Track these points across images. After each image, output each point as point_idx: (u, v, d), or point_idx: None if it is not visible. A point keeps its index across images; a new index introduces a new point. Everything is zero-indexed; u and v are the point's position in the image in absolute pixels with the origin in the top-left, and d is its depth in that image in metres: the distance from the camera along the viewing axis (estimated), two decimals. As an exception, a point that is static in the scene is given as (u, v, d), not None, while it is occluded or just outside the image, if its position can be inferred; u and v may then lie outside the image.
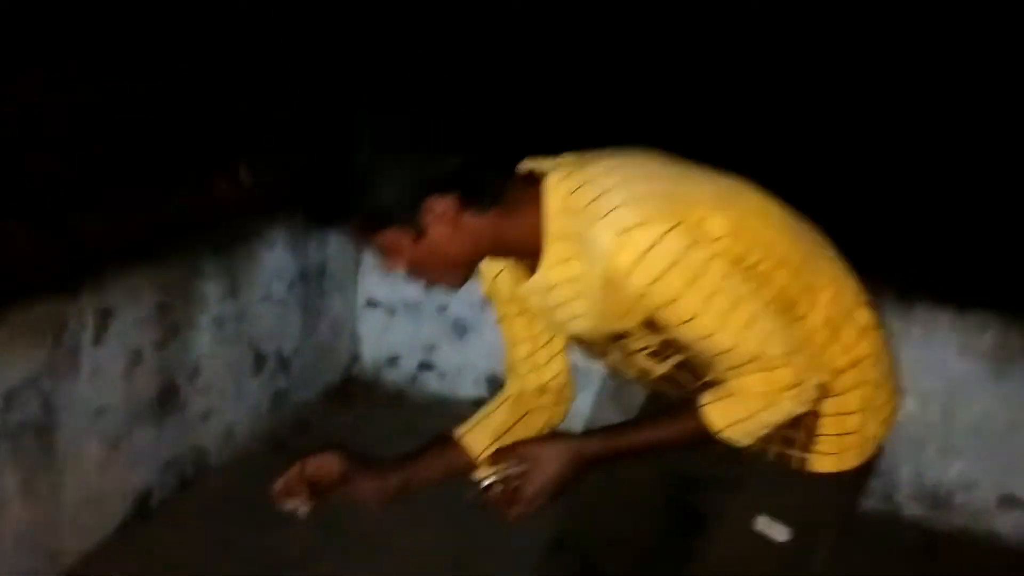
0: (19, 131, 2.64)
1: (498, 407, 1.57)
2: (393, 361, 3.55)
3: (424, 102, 1.34)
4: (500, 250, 1.37)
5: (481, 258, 1.37)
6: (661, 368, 1.42)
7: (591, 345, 1.46)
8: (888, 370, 1.45)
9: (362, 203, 1.26)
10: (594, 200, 1.28)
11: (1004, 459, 2.86)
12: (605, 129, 2.02)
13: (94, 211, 2.51)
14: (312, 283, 3.23)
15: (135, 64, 3.12)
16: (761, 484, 1.43)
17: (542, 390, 1.56)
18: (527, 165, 1.37)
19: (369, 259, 3.47)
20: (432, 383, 3.50)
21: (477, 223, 1.30)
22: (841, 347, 1.38)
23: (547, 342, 1.54)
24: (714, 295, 1.26)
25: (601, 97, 3.82)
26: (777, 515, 1.43)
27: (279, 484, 1.46)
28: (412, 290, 3.42)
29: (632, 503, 1.61)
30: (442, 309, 3.43)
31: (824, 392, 1.34)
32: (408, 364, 3.53)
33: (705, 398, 1.34)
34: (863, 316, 1.43)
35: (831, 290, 1.39)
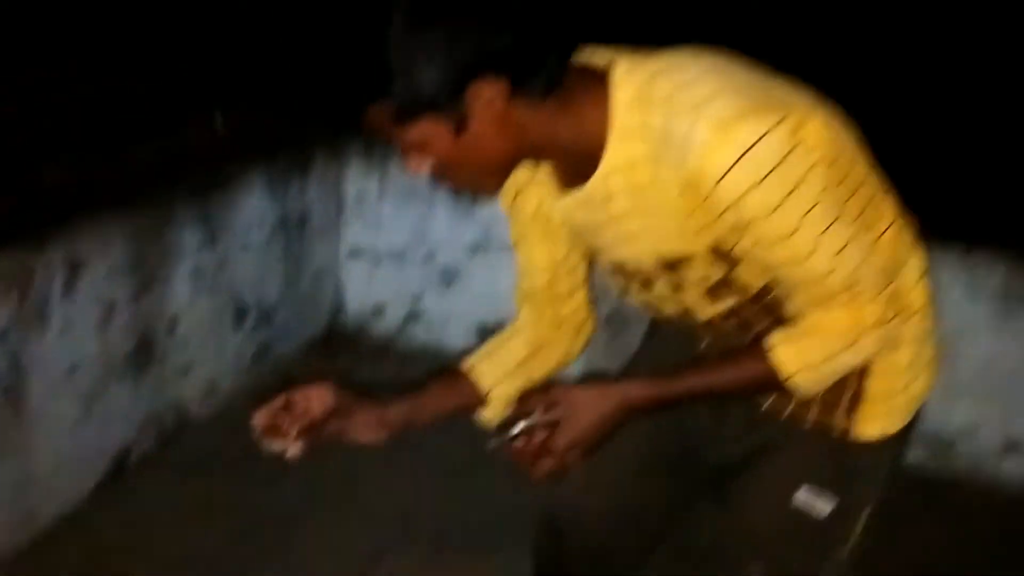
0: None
1: (510, 338, 1.43)
2: (379, 311, 3.45)
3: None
4: (549, 150, 1.16)
5: (524, 159, 1.18)
6: (712, 309, 1.26)
7: (633, 275, 1.28)
8: (935, 322, 1.33)
9: (396, 85, 1.06)
10: (680, 88, 1.08)
11: (1009, 403, 2.80)
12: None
13: (60, 158, 2.38)
14: (293, 231, 3.11)
15: (104, 6, 2.97)
16: (792, 452, 1.32)
17: (560, 322, 1.41)
18: (581, 55, 1.17)
19: (353, 205, 3.36)
20: (419, 334, 3.40)
21: (529, 115, 1.10)
22: (897, 295, 1.23)
23: (570, 270, 1.38)
24: (812, 210, 1.08)
25: None
26: (813, 487, 1.31)
27: (261, 419, 1.28)
28: (398, 238, 3.32)
29: (639, 473, 1.48)
30: (429, 257, 3.32)
31: (900, 335, 1.22)
32: (394, 314, 3.43)
33: (774, 338, 1.18)
34: (918, 260, 1.30)
35: (896, 225, 1.26)
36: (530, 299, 1.42)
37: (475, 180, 1.18)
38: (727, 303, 1.24)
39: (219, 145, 2.84)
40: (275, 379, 3.06)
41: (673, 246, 1.18)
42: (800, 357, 1.17)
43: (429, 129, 1.09)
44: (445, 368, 1.42)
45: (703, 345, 1.36)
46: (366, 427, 1.32)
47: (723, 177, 1.05)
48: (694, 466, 1.46)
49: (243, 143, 2.89)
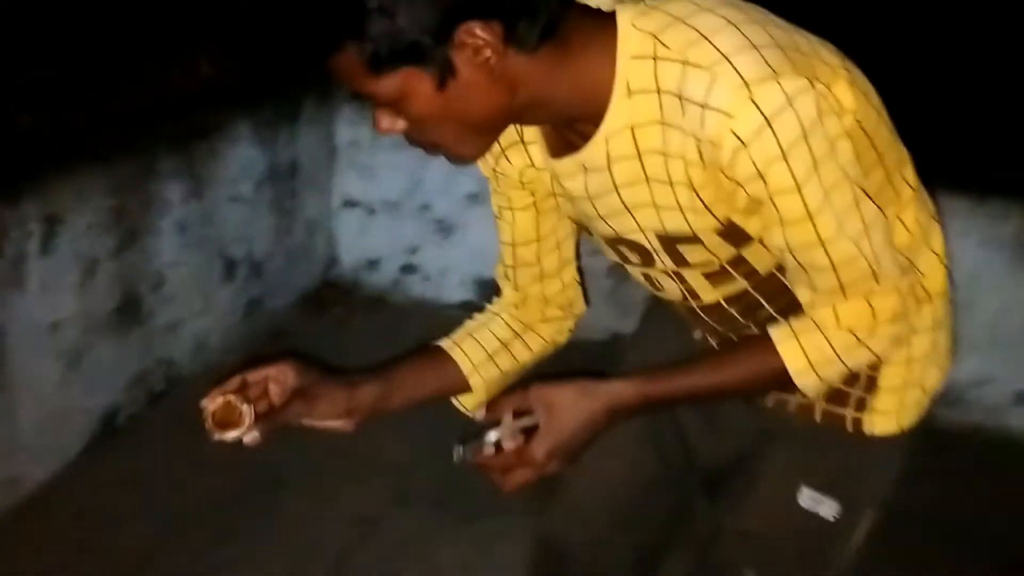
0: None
1: (493, 317, 1.30)
2: (373, 264, 3.36)
3: None
4: (543, 107, 1.01)
5: (514, 118, 1.03)
6: (715, 293, 1.14)
7: (632, 249, 1.14)
8: (952, 308, 1.22)
9: (369, 28, 0.90)
10: (697, 40, 0.94)
11: (1021, 354, 2.73)
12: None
13: (34, 104, 2.25)
14: (283, 181, 3.00)
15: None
16: (798, 448, 1.21)
17: (546, 302, 1.30)
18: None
19: (345, 154, 3.24)
20: (415, 286, 3.32)
21: (522, 66, 0.96)
22: (919, 275, 1.13)
23: (557, 244, 1.25)
24: (838, 185, 0.96)
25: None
26: (818, 486, 1.21)
27: (212, 404, 1.10)
28: (392, 188, 3.22)
29: (634, 484, 1.36)
30: (425, 208, 3.22)
31: (916, 326, 1.11)
32: (389, 267, 3.34)
33: (780, 332, 1.06)
34: (938, 240, 1.18)
35: (916, 202, 1.13)
36: (512, 276, 1.30)
37: (458, 142, 1.02)
38: (732, 287, 1.13)
39: (204, 91, 2.71)
40: (267, 334, 3.02)
41: (679, 221, 1.05)
42: (809, 354, 1.05)
43: (407, 81, 0.94)
44: (421, 347, 1.27)
45: (704, 330, 1.27)
46: (332, 411, 1.15)
47: (745, 145, 0.93)
48: (691, 467, 1.35)
49: (229, 88, 2.76)
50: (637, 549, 1.42)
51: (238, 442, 1.10)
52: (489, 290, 1.35)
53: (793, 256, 1.02)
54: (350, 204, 3.31)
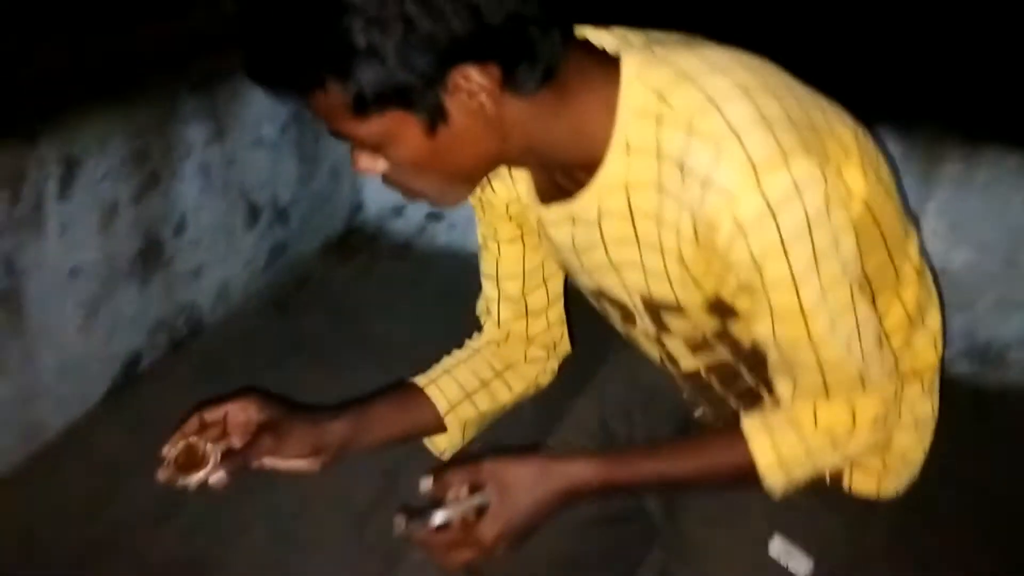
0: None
1: (473, 355, 1.23)
2: (398, 211, 3.29)
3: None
4: (536, 154, 0.94)
5: (503, 163, 0.97)
6: (695, 361, 1.09)
7: (613, 307, 1.08)
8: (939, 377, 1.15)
9: (358, 69, 0.82)
10: (704, 109, 0.86)
11: (1068, 313, 2.64)
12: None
13: (53, 42, 2.18)
14: (308, 125, 2.92)
15: None
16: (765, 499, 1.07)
17: (529, 341, 1.22)
18: (581, 35, 0.95)
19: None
20: (441, 234, 3.26)
21: (516, 110, 0.88)
22: (912, 353, 1.08)
23: (544, 281, 1.19)
24: (835, 285, 0.90)
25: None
26: (792, 538, 1.11)
27: (172, 451, 1.03)
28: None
29: (582, 523, 1.22)
30: (451, 153, 3.13)
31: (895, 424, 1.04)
32: (415, 214, 3.27)
33: (752, 424, 1.00)
34: (935, 318, 1.11)
35: (917, 279, 1.07)
36: (497, 311, 1.22)
37: (441, 188, 0.95)
38: (712, 357, 1.06)
39: (227, 31, 2.63)
40: (291, 281, 2.98)
41: (666, 289, 0.98)
42: (780, 451, 0.99)
43: (393, 124, 0.86)
44: (395, 384, 1.20)
45: (684, 391, 1.20)
46: (300, 450, 1.08)
47: (744, 232, 0.86)
48: (644, 510, 1.25)
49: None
50: None
51: (203, 485, 1.03)
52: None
53: (778, 349, 0.96)
54: (376, 149, 3.24)
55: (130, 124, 2.26)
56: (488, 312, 1.23)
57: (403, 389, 1.19)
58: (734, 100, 0.87)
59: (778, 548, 1.10)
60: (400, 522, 1.00)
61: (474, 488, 1.00)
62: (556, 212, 1.01)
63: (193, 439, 1.04)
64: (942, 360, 1.13)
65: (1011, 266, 2.61)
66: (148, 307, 2.46)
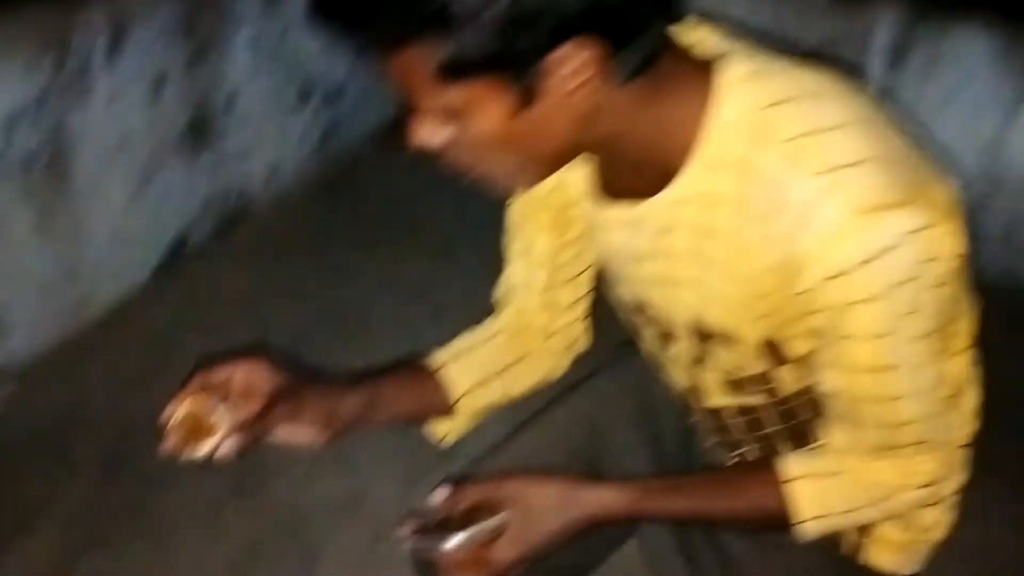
0: None
1: (490, 340, 1.14)
2: (453, 96, 3.16)
3: None
4: (614, 147, 0.85)
5: (580, 153, 0.86)
6: (726, 399, 1.00)
7: (651, 325, 0.99)
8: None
9: (460, 28, 0.72)
10: (812, 136, 0.79)
11: None
12: None
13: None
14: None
15: None
16: (785, 559, 1.01)
17: (549, 334, 1.13)
18: (675, 30, 0.86)
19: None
20: (497, 122, 3.12)
21: (607, 98, 0.79)
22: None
23: (573, 277, 1.09)
24: (917, 343, 0.83)
25: None
26: None
27: (176, 415, 0.91)
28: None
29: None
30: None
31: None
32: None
33: (794, 467, 0.93)
34: (973, 399, 1.03)
35: (964, 356, 0.99)
36: (518, 300, 1.12)
37: (510, 171, 0.85)
38: (743, 399, 0.98)
39: None
40: (342, 167, 2.90)
41: (722, 318, 0.90)
42: (822, 501, 0.92)
43: (480, 95, 0.76)
44: (409, 360, 1.11)
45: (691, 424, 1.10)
46: (311, 420, 0.99)
47: (835, 276, 0.78)
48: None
49: None
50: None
51: (207, 457, 0.92)
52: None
53: (845, 401, 0.89)
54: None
55: (180, -11, 2.17)
56: (509, 298, 1.14)
57: (417, 368, 1.10)
58: (845, 132, 0.79)
59: None
60: (404, 531, 0.92)
61: (491, 506, 0.92)
62: (616, 214, 0.92)
63: (198, 404, 0.91)
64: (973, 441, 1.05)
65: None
66: (197, 185, 2.39)
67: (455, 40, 0.73)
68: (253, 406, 0.94)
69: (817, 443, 0.96)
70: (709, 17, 0.88)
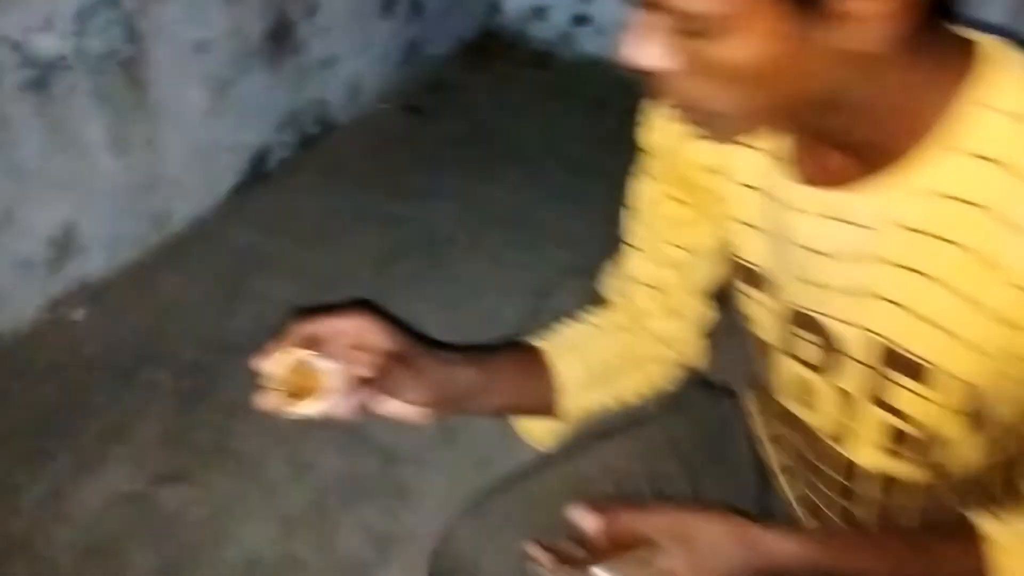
0: None
1: (602, 334, 0.97)
2: (540, 12, 3.01)
3: None
4: (836, 113, 0.68)
5: (801, 113, 0.69)
6: (872, 460, 0.83)
7: (815, 336, 0.81)
8: None
9: None
10: None
11: None
12: None
13: None
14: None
15: None
16: None
17: (665, 340, 0.96)
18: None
19: None
20: (587, 41, 2.95)
21: (886, 46, 0.64)
22: None
23: (700, 283, 0.92)
24: None
25: None
26: None
27: (276, 365, 0.80)
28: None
29: None
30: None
31: None
32: (559, 16, 2.98)
33: (998, 531, 0.75)
34: None
35: None
36: (635, 297, 0.95)
37: (742, 117, 0.68)
38: (900, 469, 0.81)
39: None
40: (424, 84, 2.77)
41: (928, 348, 0.72)
42: None
43: (756, 11, 0.61)
44: (516, 344, 0.95)
45: (794, 484, 0.94)
46: (424, 392, 0.84)
47: None
48: None
49: None
50: None
51: (314, 417, 0.79)
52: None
53: None
54: (519, -61, 2.95)
55: None
56: (622, 294, 0.97)
57: (529, 354, 0.94)
58: None
59: None
60: (544, 558, 0.77)
61: (668, 543, 0.77)
62: (811, 197, 0.75)
63: (306, 356, 0.78)
64: None
65: None
66: (277, 97, 2.26)
67: None
68: (367, 365, 0.81)
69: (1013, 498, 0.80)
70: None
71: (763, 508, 0.99)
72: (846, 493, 0.87)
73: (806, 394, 0.85)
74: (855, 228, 0.73)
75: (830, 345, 0.79)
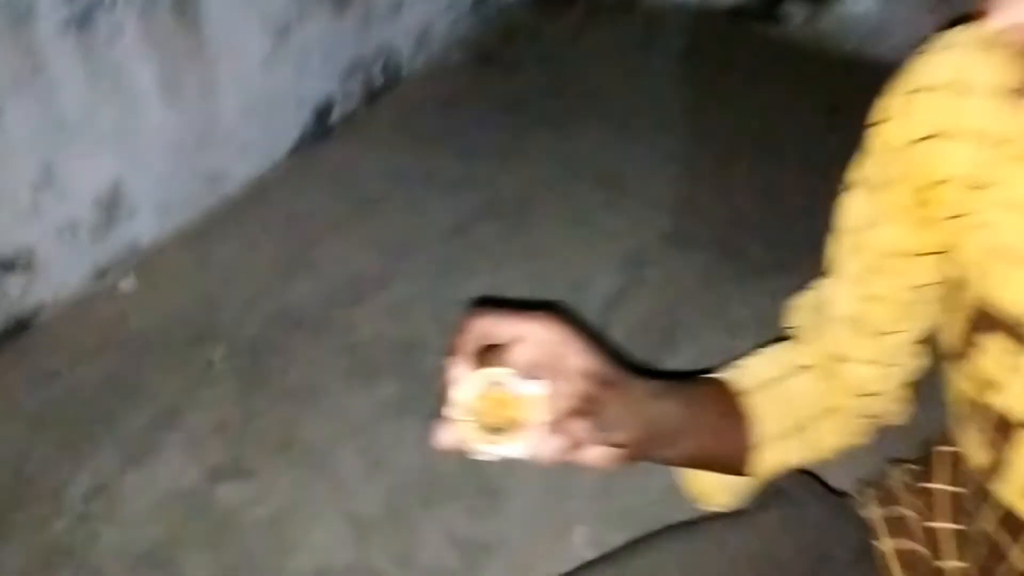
0: None
1: (797, 374, 0.80)
2: (622, -47, 2.78)
3: None
4: None
5: None
6: None
7: None
8: None
9: None
10: None
11: None
12: None
13: None
14: None
15: None
16: None
17: (864, 392, 0.78)
18: None
19: None
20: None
21: None
22: None
23: (919, 325, 0.74)
24: None
25: None
26: None
27: (469, 391, 0.61)
28: None
29: None
30: None
31: None
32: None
33: None
34: None
35: None
36: (837, 333, 0.78)
37: None
38: None
39: None
40: (497, 33, 2.57)
41: None
42: None
43: None
44: (711, 377, 0.79)
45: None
46: (634, 430, 0.66)
47: None
48: None
49: None
50: None
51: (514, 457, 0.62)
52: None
53: None
54: None
55: None
56: (819, 325, 0.80)
57: (723, 391, 0.77)
58: None
59: None
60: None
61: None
62: None
63: (503, 376, 0.61)
64: None
65: None
66: (342, 44, 2.07)
67: None
68: (574, 392, 0.63)
69: None
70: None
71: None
72: None
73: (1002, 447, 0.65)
74: None
75: None
